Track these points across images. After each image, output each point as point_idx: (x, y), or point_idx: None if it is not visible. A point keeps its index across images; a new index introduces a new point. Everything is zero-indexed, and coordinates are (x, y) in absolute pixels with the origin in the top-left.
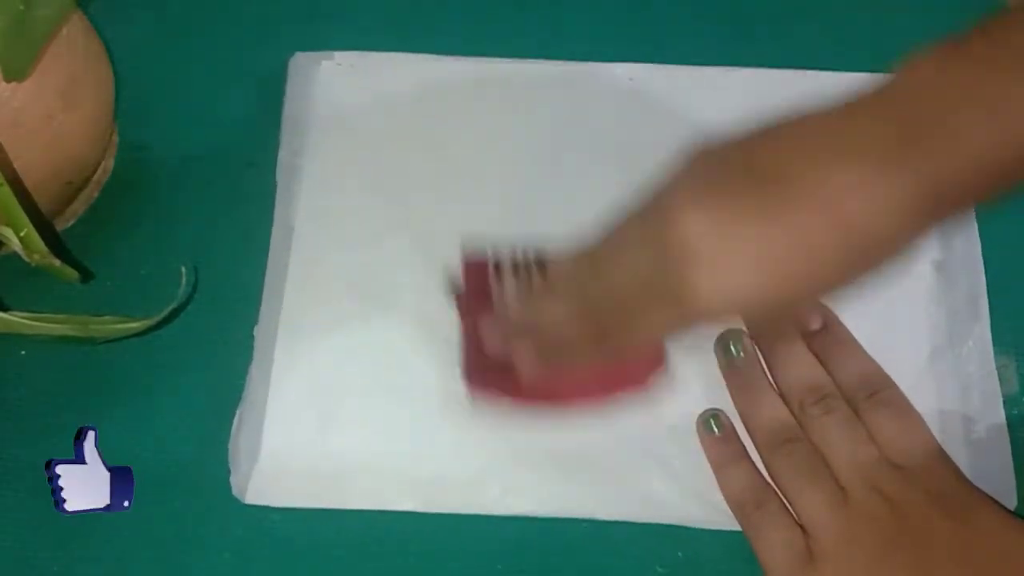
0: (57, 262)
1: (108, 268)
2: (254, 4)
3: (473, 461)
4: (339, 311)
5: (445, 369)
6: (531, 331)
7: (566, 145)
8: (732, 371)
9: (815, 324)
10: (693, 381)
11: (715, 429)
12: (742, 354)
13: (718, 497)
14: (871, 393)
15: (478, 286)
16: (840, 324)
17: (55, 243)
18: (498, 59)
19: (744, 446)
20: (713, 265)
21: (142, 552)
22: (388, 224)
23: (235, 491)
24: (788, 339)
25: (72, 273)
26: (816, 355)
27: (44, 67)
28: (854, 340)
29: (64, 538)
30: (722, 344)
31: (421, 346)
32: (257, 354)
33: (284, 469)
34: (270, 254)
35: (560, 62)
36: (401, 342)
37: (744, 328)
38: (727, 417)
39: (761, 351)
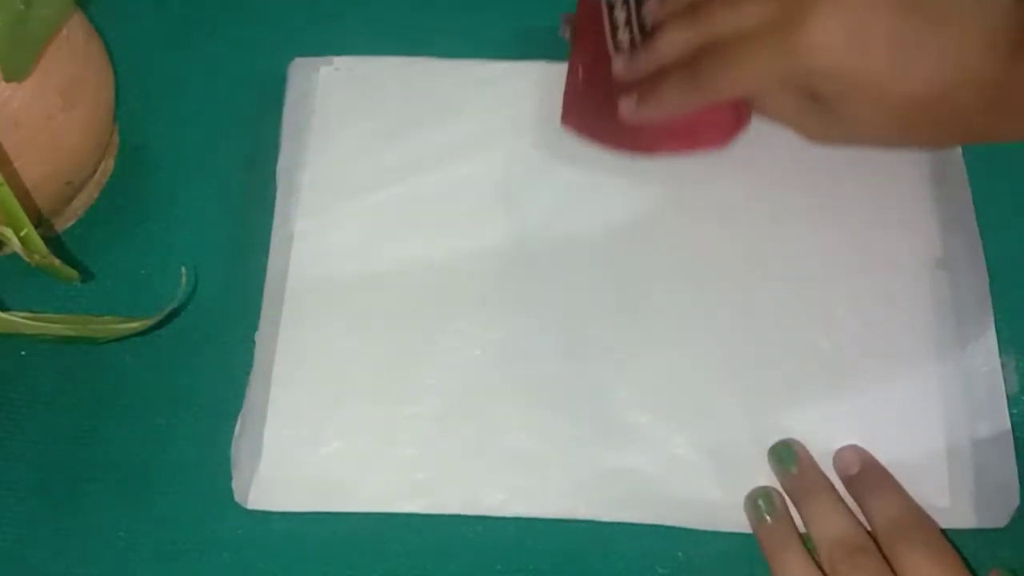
0: (57, 262)
1: (108, 268)
2: (254, 4)
3: (473, 463)
4: (339, 317)
5: (445, 373)
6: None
7: (565, 144)
8: (762, 530)
9: (853, 468)
10: (696, 373)
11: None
12: (773, 512)
13: (719, 498)
14: (908, 535)
15: (591, 24)
16: (877, 466)
17: (55, 243)
18: (496, 61)
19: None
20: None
21: (142, 551)
22: (387, 228)
23: (237, 497)
24: (819, 490)
25: (72, 273)
26: (855, 499)
27: (44, 67)
28: (891, 480)
29: (64, 538)
30: (752, 501)
31: (422, 350)
32: (257, 360)
33: (286, 475)
34: (270, 259)
35: (557, 62)
36: (401, 347)
37: (778, 487)
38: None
39: (794, 503)
